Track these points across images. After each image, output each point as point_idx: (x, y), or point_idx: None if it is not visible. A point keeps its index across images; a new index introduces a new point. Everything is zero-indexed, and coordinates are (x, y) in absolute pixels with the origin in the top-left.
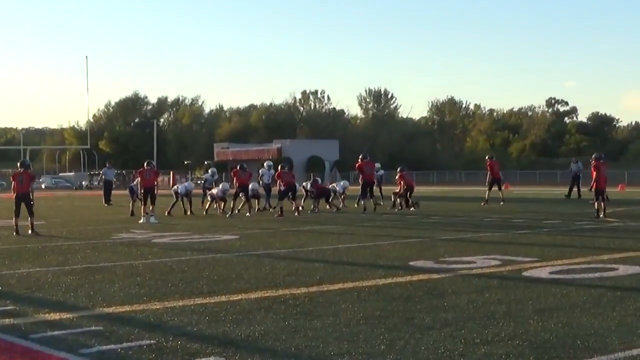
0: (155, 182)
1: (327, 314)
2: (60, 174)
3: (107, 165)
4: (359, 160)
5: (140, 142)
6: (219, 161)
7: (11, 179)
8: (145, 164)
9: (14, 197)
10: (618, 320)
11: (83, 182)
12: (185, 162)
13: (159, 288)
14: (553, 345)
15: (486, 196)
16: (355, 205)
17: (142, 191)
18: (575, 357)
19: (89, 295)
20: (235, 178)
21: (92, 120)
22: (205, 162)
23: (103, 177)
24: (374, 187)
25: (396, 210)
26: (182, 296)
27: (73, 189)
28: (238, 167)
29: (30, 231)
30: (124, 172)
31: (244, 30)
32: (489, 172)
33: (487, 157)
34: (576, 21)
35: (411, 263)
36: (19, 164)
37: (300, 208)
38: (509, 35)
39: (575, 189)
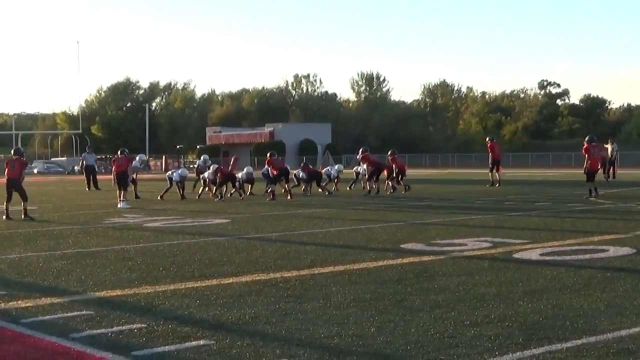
0: (127, 168)
1: (317, 297)
2: (53, 159)
3: (87, 150)
4: (361, 152)
5: (132, 126)
6: (211, 145)
7: (5, 165)
8: (119, 152)
9: (5, 182)
10: (607, 302)
11: (75, 167)
12: (178, 147)
13: (150, 272)
14: (542, 326)
15: (490, 178)
16: (347, 189)
17: (114, 177)
18: (565, 338)
19: (80, 279)
20: (272, 166)
21: (84, 105)
22: (198, 146)
23: (84, 162)
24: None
25: (387, 193)
26: (173, 280)
27: (65, 174)
28: (270, 156)
29: (23, 216)
30: (108, 156)
31: (236, 14)
32: (490, 154)
33: (487, 139)
34: (569, 3)
35: (402, 246)
36: (12, 152)
37: (290, 192)
38: (501, 18)
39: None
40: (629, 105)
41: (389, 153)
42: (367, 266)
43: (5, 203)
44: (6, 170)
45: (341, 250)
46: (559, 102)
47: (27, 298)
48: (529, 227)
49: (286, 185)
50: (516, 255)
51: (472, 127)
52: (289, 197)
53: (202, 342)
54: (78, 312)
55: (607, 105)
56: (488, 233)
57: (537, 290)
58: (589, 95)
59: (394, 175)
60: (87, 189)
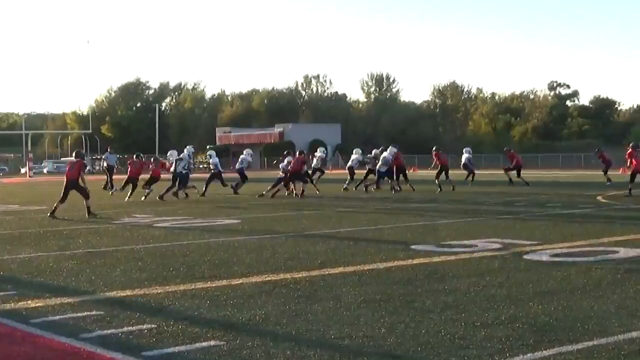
0: (139, 173)
1: (327, 297)
2: (62, 159)
3: (108, 150)
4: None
5: (142, 126)
6: (221, 145)
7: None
8: (134, 156)
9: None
10: (618, 303)
11: (96, 167)
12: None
13: (160, 272)
14: (553, 328)
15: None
16: (354, 189)
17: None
18: (575, 340)
19: (90, 279)
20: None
21: (93, 105)
22: (208, 147)
23: (106, 162)
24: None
25: (392, 192)
26: (183, 280)
27: None
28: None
29: (87, 214)
30: (125, 156)
31: (246, 14)
32: (514, 160)
33: (505, 149)
34: (578, 4)
35: (412, 247)
36: (73, 154)
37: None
38: (511, 19)
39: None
40: (638, 106)
41: (433, 149)
42: (377, 267)
43: (57, 203)
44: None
45: (351, 251)
46: (568, 103)
47: (37, 298)
48: (539, 228)
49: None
50: (526, 257)
51: (481, 128)
52: (299, 197)
53: (212, 342)
54: (88, 313)
55: (616, 106)
56: (498, 234)
57: (547, 291)
58: (599, 96)
59: (439, 171)
60: (106, 188)
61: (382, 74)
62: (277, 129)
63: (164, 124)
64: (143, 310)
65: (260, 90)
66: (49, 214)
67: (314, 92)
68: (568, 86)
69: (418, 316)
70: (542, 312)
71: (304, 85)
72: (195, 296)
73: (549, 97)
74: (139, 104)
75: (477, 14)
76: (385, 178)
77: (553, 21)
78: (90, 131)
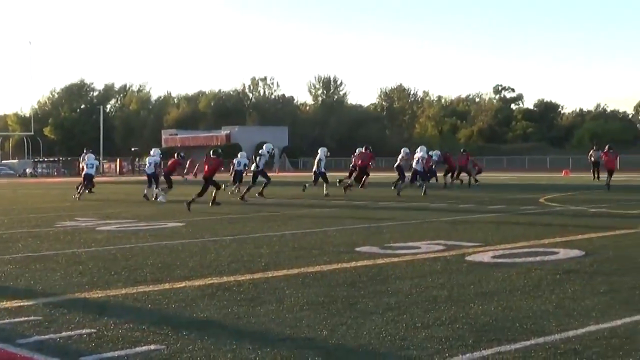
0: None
1: (270, 300)
2: (3, 161)
3: (85, 151)
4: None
5: (86, 128)
6: (167, 147)
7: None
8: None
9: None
10: (556, 303)
11: (27, 170)
12: (132, 149)
13: (101, 276)
14: (492, 328)
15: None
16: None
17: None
18: (514, 340)
19: (29, 284)
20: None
21: (36, 106)
22: (153, 149)
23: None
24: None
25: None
26: (125, 284)
27: (16, 177)
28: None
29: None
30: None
31: (193, 16)
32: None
33: (462, 150)
34: (522, 9)
35: (357, 249)
36: (211, 152)
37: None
38: (457, 22)
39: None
40: (580, 110)
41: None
42: (321, 269)
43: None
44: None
45: (295, 254)
46: (513, 106)
47: None
48: (482, 229)
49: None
50: (469, 258)
51: (428, 130)
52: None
53: (152, 347)
54: (26, 318)
55: (560, 109)
56: (442, 236)
57: (488, 292)
58: (543, 100)
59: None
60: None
61: (329, 77)
62: (224, 131)
63: (109, 126)
64: (83, 314)
65: (207, 92)
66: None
67: (261, 94)
68: (513, 90)
69: (360, 318)
70: (482, 312)
71: (251, 87)
72: (137, 300)
73: (494, 101)
74: (83, 106)
75: (422, 18)
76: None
77: (498, 25)
78: (32, 133)
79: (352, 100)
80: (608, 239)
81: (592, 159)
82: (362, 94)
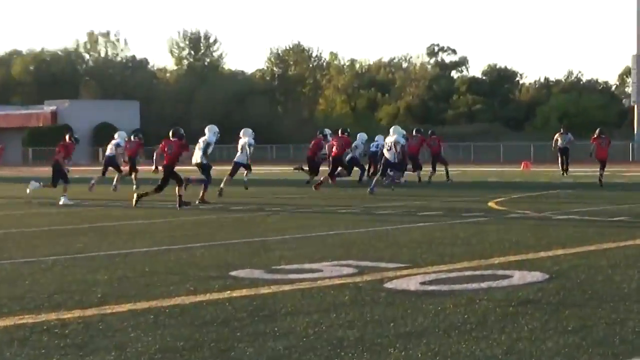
0: None
1: (108, 346)
2: None
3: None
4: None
5: None
6: None
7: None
8: None
9: None
10: (508, 346)
11: None
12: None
13: None
14: None
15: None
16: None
17: None
18: None
19: None
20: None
21: None
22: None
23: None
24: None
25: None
26: None
27: None
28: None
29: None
30: None
31: None
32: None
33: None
34: None
35: (233, 273)
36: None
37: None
38: None
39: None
40: (546, 80)
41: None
42: (182, 302)
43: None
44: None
45: (145, 281)
46: (454, 74)
47: None
48: (408, 245)
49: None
50: (389, 285)
51: (336, 107)
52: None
53: None
54: None
55: (518, 79)
56: (353, 254)
57: (414, 332)
58: (495, 66)
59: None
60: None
61: (198, 33)
62: (49, 108)
63: None
64: None
65: (25, 52)
66: None
67: (103, 55)
68: (454, 51)
69: None
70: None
71: (88, 46)
72: None
73: (428, 66)
74: None
75: None
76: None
77: None
78: None
79: (231, 64)
80: (580, 257)
81: (558, 144)
82: (244, 56)
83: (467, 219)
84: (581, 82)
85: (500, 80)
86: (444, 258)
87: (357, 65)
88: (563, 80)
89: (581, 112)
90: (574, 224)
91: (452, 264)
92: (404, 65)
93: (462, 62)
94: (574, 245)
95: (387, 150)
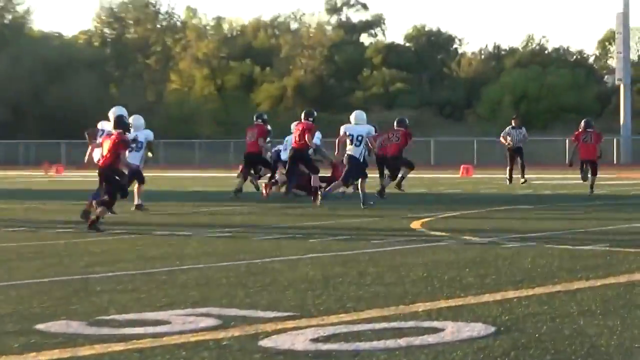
0: None
1: None
2: None
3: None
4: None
5: None
6: None
7: None
8: None
9: None
10: None
11: None
12: None
13: None
14: None
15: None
16: None
17: None
18: None
19: None
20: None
21: None
22: None
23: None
24: None
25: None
26: None
27: None
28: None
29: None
30: None
31: None
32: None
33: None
34: None
35: (40, 326)
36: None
37: None
38: None
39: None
40: (496, 48)
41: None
42: None
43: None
44: None
45: None
46: (365, 39)
47: None
48: (295, 284)
49: None
50: (266, 343)
51: (195, 86)
52: None
53: None
54: None
55: (456, 47)
56: (215, 298)
57: None
58: (422, 27)
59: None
60: None
61: None
62: None
63: None
64: None
65: None
66: None
67: None
68: (364, 6)
69: None
70: None
71: None
72: None
73: (328, 28)
74: None
75: None
76: None
77: None
78: None
79: (42, 24)
80: (540, 301)
81: (509, 142)
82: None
83: (381, 246)
84: (546, 52)
85: (431, 48)
86: (346, 304)
87: (226, 27)
88: (520, 49)
89: (546, 95)
90: (533, 254)
91: (358, 313)
92: (293, 26)
93: (377, 23)
94: (532, 284)
95: (351, 144)
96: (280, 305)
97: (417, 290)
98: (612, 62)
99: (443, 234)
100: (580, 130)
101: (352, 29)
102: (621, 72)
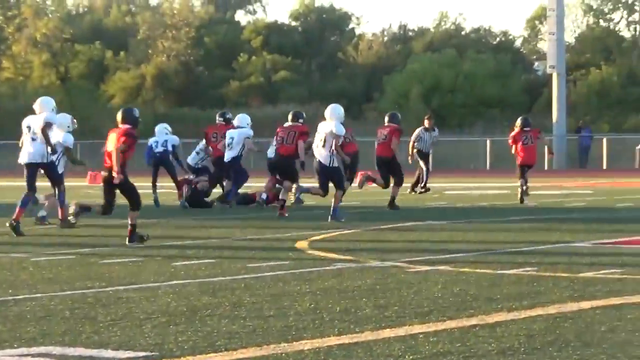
0: None
1: None
2: None
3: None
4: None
5: None
6: None
7: None
8: None
9: None
10: None
11: None
12: None
13: None
14: None
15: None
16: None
17: None
18: None
19: None
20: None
21: None
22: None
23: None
24: None
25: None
26: None
27: None
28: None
29: None
30: None
31: None
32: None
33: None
34: None
35: None
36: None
37: None
38: None
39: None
40: (402, 28)
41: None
42: None
43: None
44: None
45: None
46: (241, 17)
47: None
48: (152, 317)
49: None
50: None
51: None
52: None
53: None
54: None
55: (353, 27)
56: (52, 335)
57: None
58: (312, 4)
59: None
60: None
61: None
62: None
63: None
64: None
65: None
66: None
67: None
68: None
69: None
70: None
71: None
72: None
73: (196, 3)
74: None
75: None
76: None
77: None
78: None
79: None
80: (451, 337)
81: (416, 145)
82: None
83: (259, 271)
84: (463, 33)
85: (322, 29)
86: (216, 341)
87: (70, 2)
88: (431, 29)
89: (462, 85)
90: (444, 280)
91: (230, 352)
92: (153, 1)
93: None
94: (442, 316)
95: (317, 146)
96: (136, 343)
97: (303, 325)
98: (544, 46)
99: (335, 255)
100: (517, 130)
101: (226, 5)
102: (554, 58)
